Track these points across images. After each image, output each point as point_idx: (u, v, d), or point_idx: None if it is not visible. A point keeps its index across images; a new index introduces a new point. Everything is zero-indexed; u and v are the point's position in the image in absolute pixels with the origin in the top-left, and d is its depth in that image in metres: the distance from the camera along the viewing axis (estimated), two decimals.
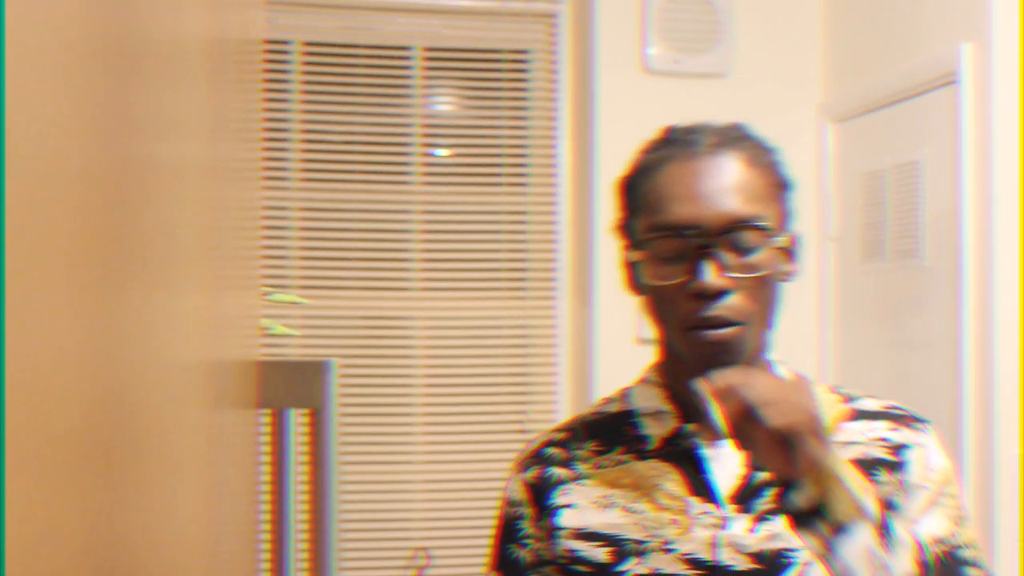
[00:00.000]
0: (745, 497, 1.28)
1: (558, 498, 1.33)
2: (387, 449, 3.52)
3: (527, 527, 1.36)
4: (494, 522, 1.43)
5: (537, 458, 1.38)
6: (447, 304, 3.55)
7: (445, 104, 3.62)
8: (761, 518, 1.27)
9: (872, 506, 1.15)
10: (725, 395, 1.14)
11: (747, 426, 1.13)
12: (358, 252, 3.52)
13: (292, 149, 3.49)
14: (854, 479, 1.16)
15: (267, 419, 1.22)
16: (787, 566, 1.26)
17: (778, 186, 1.32)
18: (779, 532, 1.27)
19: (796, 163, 3.83)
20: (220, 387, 0.72)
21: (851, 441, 1.33)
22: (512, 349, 3.58)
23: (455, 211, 3.57)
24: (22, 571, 0.31)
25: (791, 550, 1.26)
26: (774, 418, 1.12)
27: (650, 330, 1.36)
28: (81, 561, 0.39)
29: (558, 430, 1.40)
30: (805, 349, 3.49)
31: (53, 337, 0.34)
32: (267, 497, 1.22)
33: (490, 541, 1.42)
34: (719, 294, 1.22)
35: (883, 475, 1.31)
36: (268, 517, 1.22)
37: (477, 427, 3.55)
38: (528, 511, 1.36)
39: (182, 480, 0.59)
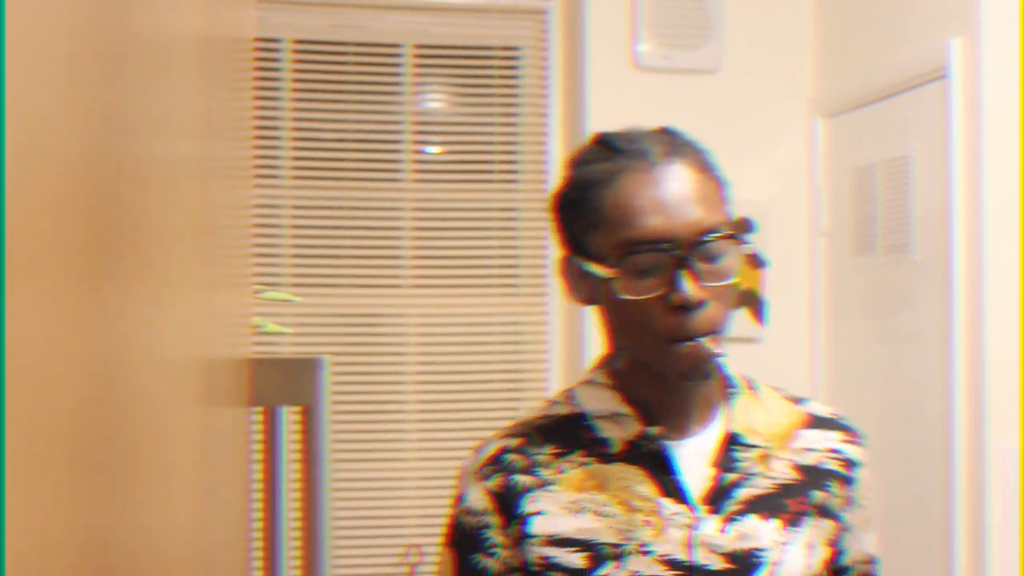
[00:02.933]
0: (716, 498, 1.31)
1: (527, 505, 1.32)
2: (379, 446, 3.52)
3: (494, 536, 1.34)
4: (443, 531, 1.41)
5: (497, 465, 1.36)
6: (439, 301, 3.56)
7: (436, 101, 3.61)
8: (730, 518, 1.30)
9: None
10: None
11: None
12: (350, 249, 3.52)
13: (283, 147, 3.49)
14: None
15: (259, 417, 1.22)
16: (757, 566, 1.29)
17: (722, 188, 1.33)
18: (748, 532, 1.30)
19: (786, 158, 3.85)
20: (212, 385, 0.72)
21: (808, 448, 1.38)
22: (504, 345, 3.58)
23: (446, 208, 3.57)
24: (15, 570, 0.32)
25: (761, 550, 1.30)
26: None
27: (601, 334, 1.38)
28: (74, 559, 0.39)
29: (509, 435, 1.38)
30: (797, 344, 3.50)
31: (44, 335, 0.34)
32: (259, 494, 1.22)
33: (441, 552, 1.40)
34: (698, 305, 1.23)
35: (835, 488, 1.37)
36: (260, 514, 1.22)
37: (469, 423, 3.56)
38: (495, 520, 1.34)
39: (174, 477, 0.59)
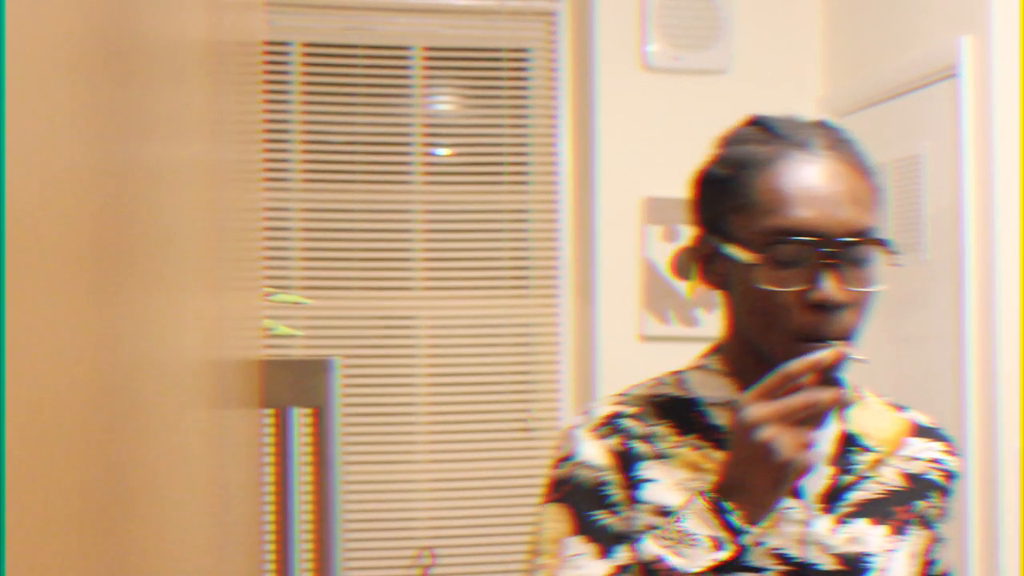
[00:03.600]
0: (831, 498, 1.28)
1: (641, 471, 1.28)
2: (391, 449, 3.52)
3: (615, 493, 1.28)
4: (544, 488, 1.33)
5: (613, 426, 1.30)
6: (449, 303, 3.56)
7: (445, 104, 3.62)
8: (842, 520, 1.28)
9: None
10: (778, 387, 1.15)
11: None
12: (360, 252, 3.53)
13: (293, 150, 3.50)
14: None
15: (270, 418, 1.23)
16: (865, 571, 1.27)
17: (878, 195, 1.28)
18: (859, 536, 1.27)
19: None
20: (223, 387, 0.73)
21: (914, 457, 1.35)
22: (515, 348, 3.58)
23: (456, 210, 3.57)
24: (22, 573, 0.32)
25: (869, 555, 1.27)
26: (785, 449, 1.14)
27: (723, 319, 1.33)
28: (83, 562, 0.39)
29: (622, 403, 1.33)
30: None
31: (54, 339, 0.35)
32: (271, 496, 1.23)
33: (546, 509, 1.32)
34: (837, 307, 1.18)
35: (935, 499, 1.34)
36: (272, 516, 1.22)
37: (480, 426, 3.56)
38: (615, 477, 1.28)
39: (185, 480, 0.60)
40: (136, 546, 0.47)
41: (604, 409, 1.33)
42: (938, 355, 2.83)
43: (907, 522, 1.31)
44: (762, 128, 1.28)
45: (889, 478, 1.32)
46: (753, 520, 1.18)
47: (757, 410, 1.14)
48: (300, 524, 1.24)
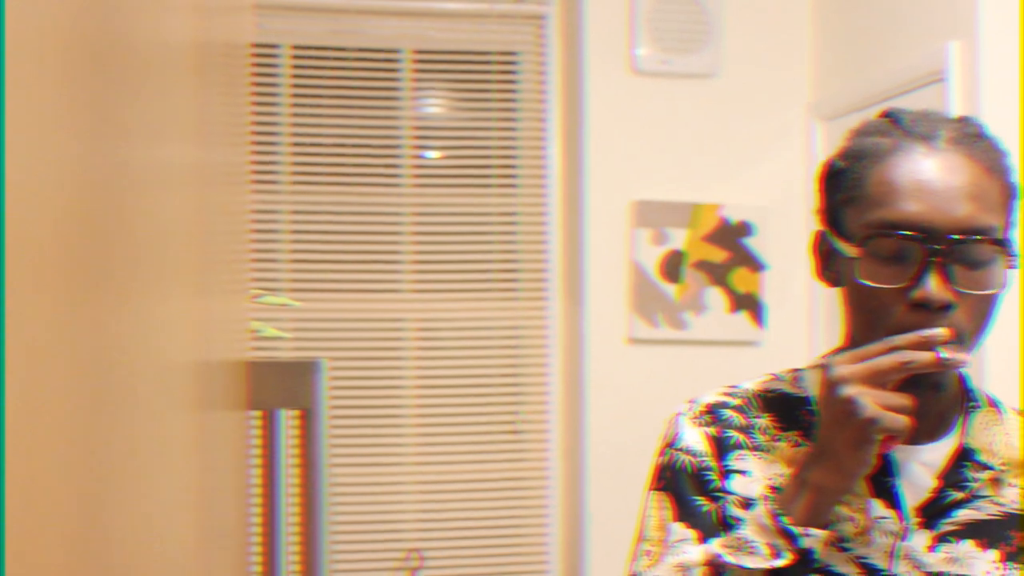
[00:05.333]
0: (932, 513, 1.21)
1: (733, 462, 1.24)
2: (379, 451, 3.52)
3: (715, 479, 1.25)
4: (650, 476, 1.30)
5: (714, 416, 1.27)
6: (438, 306, 3.56)
7: (434, 106, 3.62)
8: (943, 538, 1.20)
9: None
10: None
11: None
12: (349, 254, 3.53)
13: (282, 152, 3.49)
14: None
15: (257, 420, 1.22)
16: None
17: (1010, 195, 1.20)
18: (961, 557, 1.19)
19: (785, 162, 3.84)
20: (209, 389, 0.73)
21: None
22: (503, 350, 3.58)
23: (445, 213, 3.57)
24: (13, 572, 0.32)
25: None
26: (867, 408, 1.08)
27: (840, 320, 1.26)
28: (71, 563, 0.39)
29: (728, 395, 1.30)
30: (796, 348, 3.49)
31: (40, 340, 0.35)
32: (258, 498, 1.22)
33: (649, 496, 1.30)
34: (941, 308, 1.12)
35: None
36: (259, 518, 1.22)
37: (469, 428, 3.56)
38: (714, 463, 1.25)
39: (172, 482, 0.60)
40: (121, 548, 0.47)
41: (710, 398, 1.30)
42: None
43: None
44: (890, 119, 1.22)
45: (1011, 499, 1.23)
46: (838, 491, 1.13)
47: (843, 368, 1.10)
48: (287, 526, 1.24)
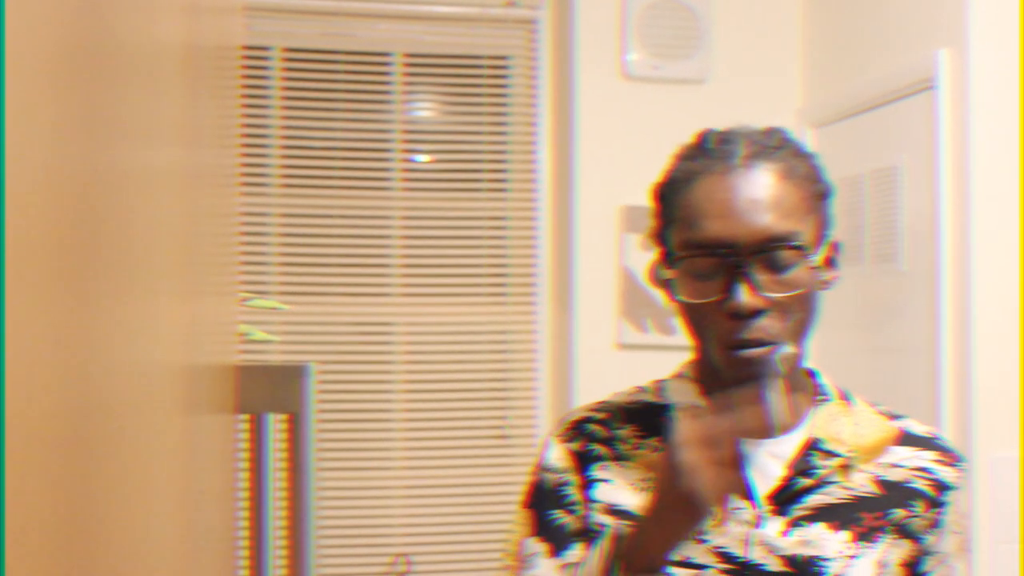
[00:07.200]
0: (783, 500, 1.29)
1: (596, 472, 1.34)
2: (367, 455, 3.51)
3: (573, 493, 1.35)
4: (524, 489, 1.41)
5: (579, 431, 1.38)
6: (427, 310, 3.55)
7: (425, 110, 3.62)
8: (795, 523, 1.28)
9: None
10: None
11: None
12: (338, 258, 3.52)
13: (272, 155, 3.49)
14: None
15: (245, 424, 1.22)
16: (818, 575, 1.26)
17: (815, 196, 1.29)
18: (813, 539, 1.28)
19: None
20: (197, 392, 0.72)
21: (895, 464, 1.34)
22: (492, 355, 3.58)
23: (435, 217, 3.57)
24: (13, 572, 0.31)
25: (824, 559, 1.27)
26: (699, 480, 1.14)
27: (684, 335, 1.37)
28: (56, 566, 0.39)
29: (594, 410, 1.41)
30: None
31: (28, 342, 0.34)
32: (245, 502, 1.22)
33: (520, 511, 1.40)
34: (754, 314, 1.22)
35: (919, 507, 1.33)
36: (246, 522, 1.22)
37: (457, 433, 3.55)
38: (574, 478, 1.36)
39: (159, 485, 0.59)
40: (108, 550, 0.47)
41: (577, 415, 1.41)
42: (913, 366, 2.85)
43: (877, 529, 1.30)
44: (697, 142, 1.32)
45: (859, 484, 1.31)
46: (672, 541, 1.18)
47: (682, 432, 1.16)
48: (274, 530, 1.24)
